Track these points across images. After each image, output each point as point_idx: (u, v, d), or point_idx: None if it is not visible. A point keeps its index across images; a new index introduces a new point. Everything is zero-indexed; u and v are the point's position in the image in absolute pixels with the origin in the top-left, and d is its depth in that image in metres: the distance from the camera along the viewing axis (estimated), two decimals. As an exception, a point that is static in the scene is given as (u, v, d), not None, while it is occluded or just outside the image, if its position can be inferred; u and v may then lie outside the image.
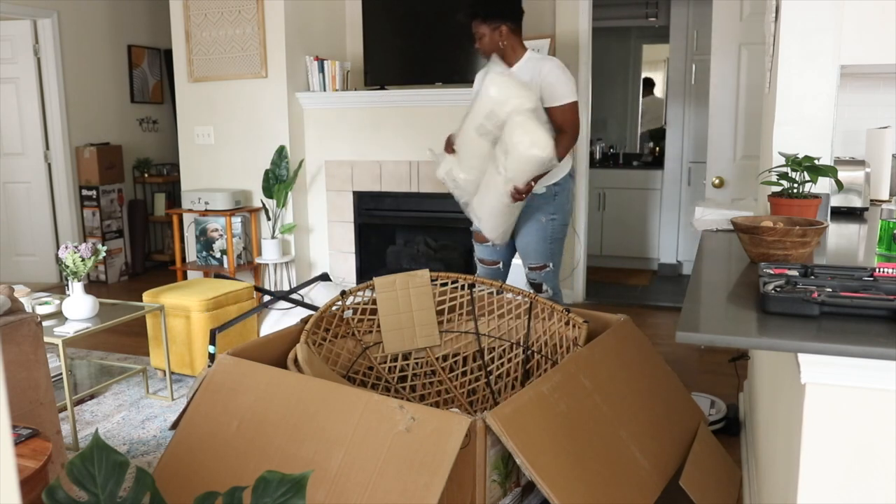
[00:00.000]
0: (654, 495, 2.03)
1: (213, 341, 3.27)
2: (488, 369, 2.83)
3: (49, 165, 5.62)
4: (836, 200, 2.37)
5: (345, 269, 4.93)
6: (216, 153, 4.96)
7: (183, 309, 3.42)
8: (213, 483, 1.96)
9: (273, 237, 4.73)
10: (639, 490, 2.01)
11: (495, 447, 1.86)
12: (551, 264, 3.19)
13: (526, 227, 3.17)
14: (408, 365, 2.81)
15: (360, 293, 2.74)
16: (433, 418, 1.80)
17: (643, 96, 6.86)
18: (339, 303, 2.68)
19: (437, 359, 2.84)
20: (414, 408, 1.83)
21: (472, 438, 1.80)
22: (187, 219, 4.95)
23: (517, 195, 2.90)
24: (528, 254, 3.19)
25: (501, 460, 1.91)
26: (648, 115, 6.90)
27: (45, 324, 2.78)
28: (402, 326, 2.80)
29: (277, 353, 2.41)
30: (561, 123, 2.99)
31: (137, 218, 6.04)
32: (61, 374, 2.91)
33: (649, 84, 6.86)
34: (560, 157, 2.97)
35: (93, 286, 5.55)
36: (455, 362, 2.85)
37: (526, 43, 4.36)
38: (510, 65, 3.07)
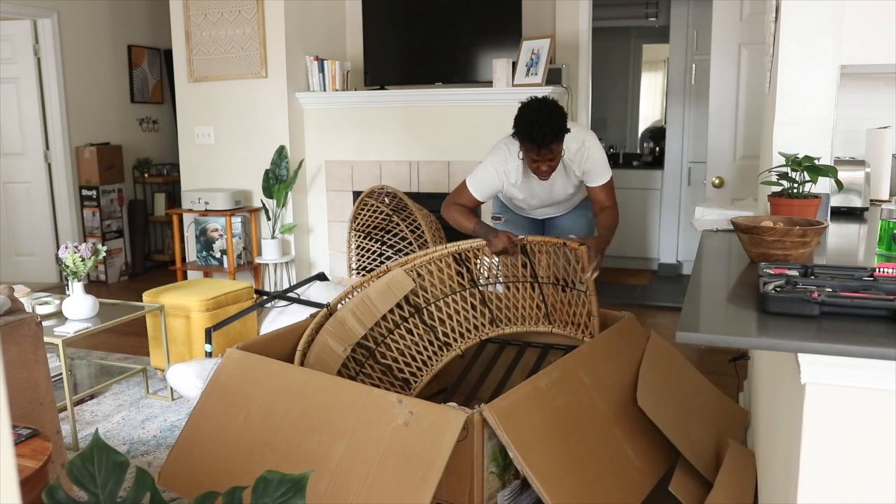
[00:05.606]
0: (642, 494, 2.05)
1: (209, 340, 3.28)
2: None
3: (49, 165, 5.62)
4: (836, 200, 2.37)
5: (344, 269, 4.92)
6: (216, 153, 4.96)
7: (183, 309, 3.42)
8: (221, 474, 2.00)
9: (273, 237, 4.73)
10: (629, 488, 2.02)
11: (493, 439, 1.87)
12: None
13: (571, 217, 3.29)
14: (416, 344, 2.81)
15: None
16: (430, 413, 1.82)
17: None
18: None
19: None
20: (412, 402, 1.86)
21: (470, 431, 1.82)
22: (187, 219, 4.94)
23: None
24: (574, 232, 3.19)
25: (500, 452, 1.92)
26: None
27: (45, 324, 2.78)
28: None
29: (286, 348, 2.44)
30: None
31: (137, 218, 6.03)
32: (61, 374, 2.90)
33: None
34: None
35: (93, 286, 5.55)
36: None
37: (526, 43, 4.41)
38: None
